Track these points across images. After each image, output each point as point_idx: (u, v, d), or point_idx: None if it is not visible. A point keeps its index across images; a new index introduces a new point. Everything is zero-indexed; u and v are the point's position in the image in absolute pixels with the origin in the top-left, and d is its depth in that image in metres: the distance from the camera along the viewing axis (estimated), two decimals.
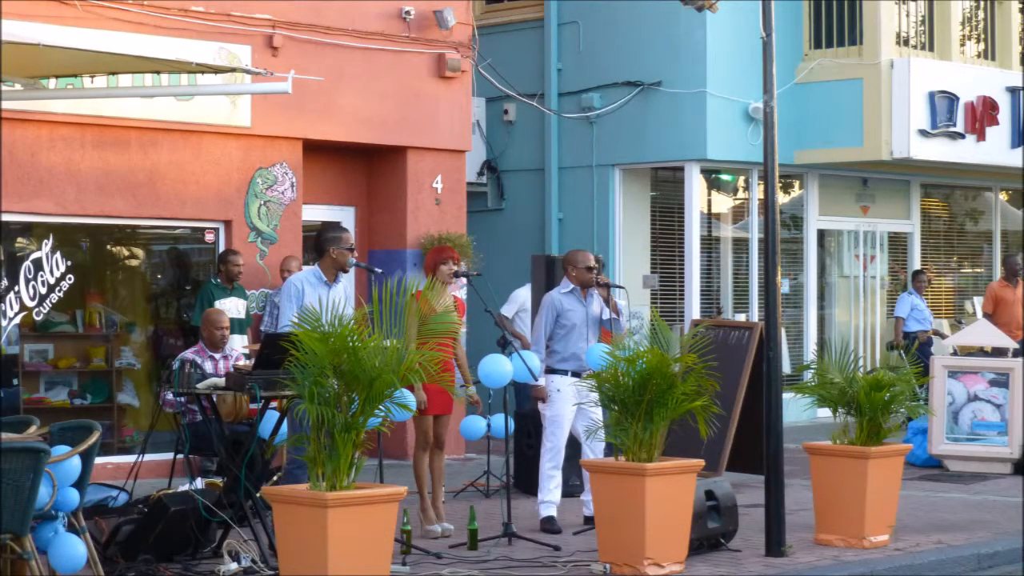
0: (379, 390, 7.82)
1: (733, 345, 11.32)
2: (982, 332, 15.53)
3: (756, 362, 10.99)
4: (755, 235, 18.57)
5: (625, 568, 9.11)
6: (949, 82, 18.42)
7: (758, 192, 18.50)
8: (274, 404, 9.44)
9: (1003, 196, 21.98)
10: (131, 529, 9.24)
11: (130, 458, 11.71)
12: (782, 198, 19.20)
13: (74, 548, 7.76)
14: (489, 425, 12.31)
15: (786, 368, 17.34)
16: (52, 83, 11.86)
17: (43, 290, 12.93)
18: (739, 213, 19.24)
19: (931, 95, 18.17)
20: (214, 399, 9.68)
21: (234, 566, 8.86)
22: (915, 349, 13.56)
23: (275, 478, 10.27)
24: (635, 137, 18.13)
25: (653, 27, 17.95)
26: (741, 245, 18.99)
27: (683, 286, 18.19)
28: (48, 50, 9.46)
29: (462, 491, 12.62)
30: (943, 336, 18.67)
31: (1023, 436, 14.32)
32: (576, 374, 10.74)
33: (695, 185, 18.05)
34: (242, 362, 10.73)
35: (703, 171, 18.27)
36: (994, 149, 18.98)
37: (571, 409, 10.80)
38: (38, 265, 12.94)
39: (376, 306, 8.26)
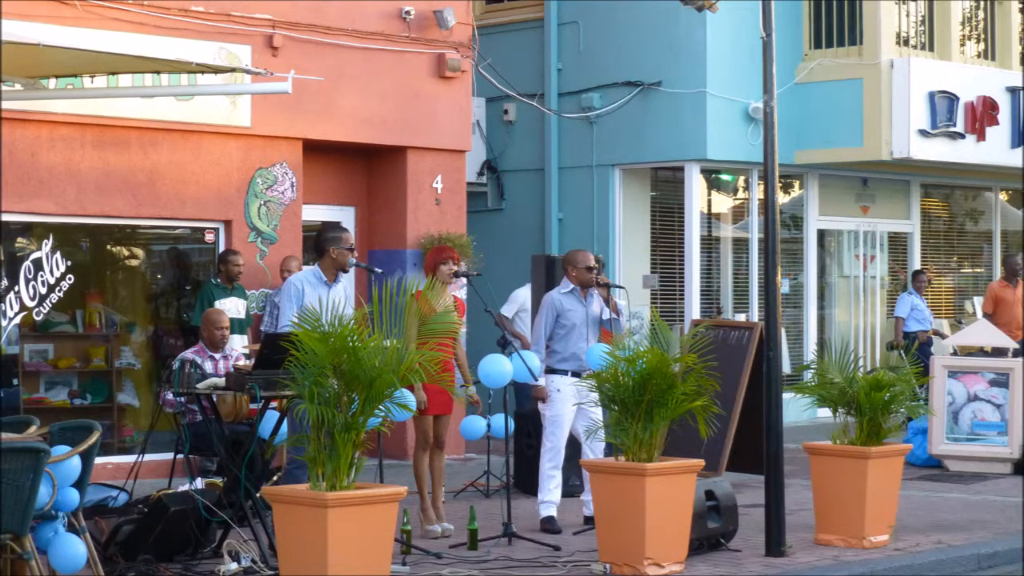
0: (379, 390, 7.82)
1: (733, 345, 11.32)
2: (982, 332, 15.53)
3: (756, 362, 10.98)
4: (755, 235, 18.57)
5: (625, 568, 9.11)
6: (949, 82, 18.42)
7: (758, 192, 18.50)
8: (274, 404, 9.44)
9: (1003, 196, 21.98)
10: (131, 529, 9.24)
11: (130, 458, 11.70)
12: (782, 198, 19.20)
13: (74, 548, 7.76)
14: (489, 425, 12.31)
15: (786, 368, 17.34)
16: (52, 83, 11.86)
17: (43, 290, 12.94)
18: (739, 213, 19.24)
19: (931, 95, 18.17)
20: (214, 399, 9.68)
21: (234, 566, 8.86)
22: (915, 349, 13.57)
23: (275, 478, 10.27)
24: (635, 137, 18.13)
25: (653, 27, 17.96)
26: (741, 245, 19.00)
27: (683, 286, 18.20)
28: (48, 50, 9.46)
29: (462, 491, 12.62)
30: (943, 336, 18.67)
31: (1023, 436, 14.33)
32: (576, 374, 10.74)
33: (695, 185, 18.06)
34: (242, 362, 10.73)
35: (703, 171, 18.27)
36: (994, 149, 18.97)
37: (571, 409, 10.80)
38: (38, 265, 12.94)
39: (376, 306, 8.26)
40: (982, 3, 19.98)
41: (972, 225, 21.95)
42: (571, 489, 11.63)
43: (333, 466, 7.70)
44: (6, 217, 12.36)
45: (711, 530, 9.94)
